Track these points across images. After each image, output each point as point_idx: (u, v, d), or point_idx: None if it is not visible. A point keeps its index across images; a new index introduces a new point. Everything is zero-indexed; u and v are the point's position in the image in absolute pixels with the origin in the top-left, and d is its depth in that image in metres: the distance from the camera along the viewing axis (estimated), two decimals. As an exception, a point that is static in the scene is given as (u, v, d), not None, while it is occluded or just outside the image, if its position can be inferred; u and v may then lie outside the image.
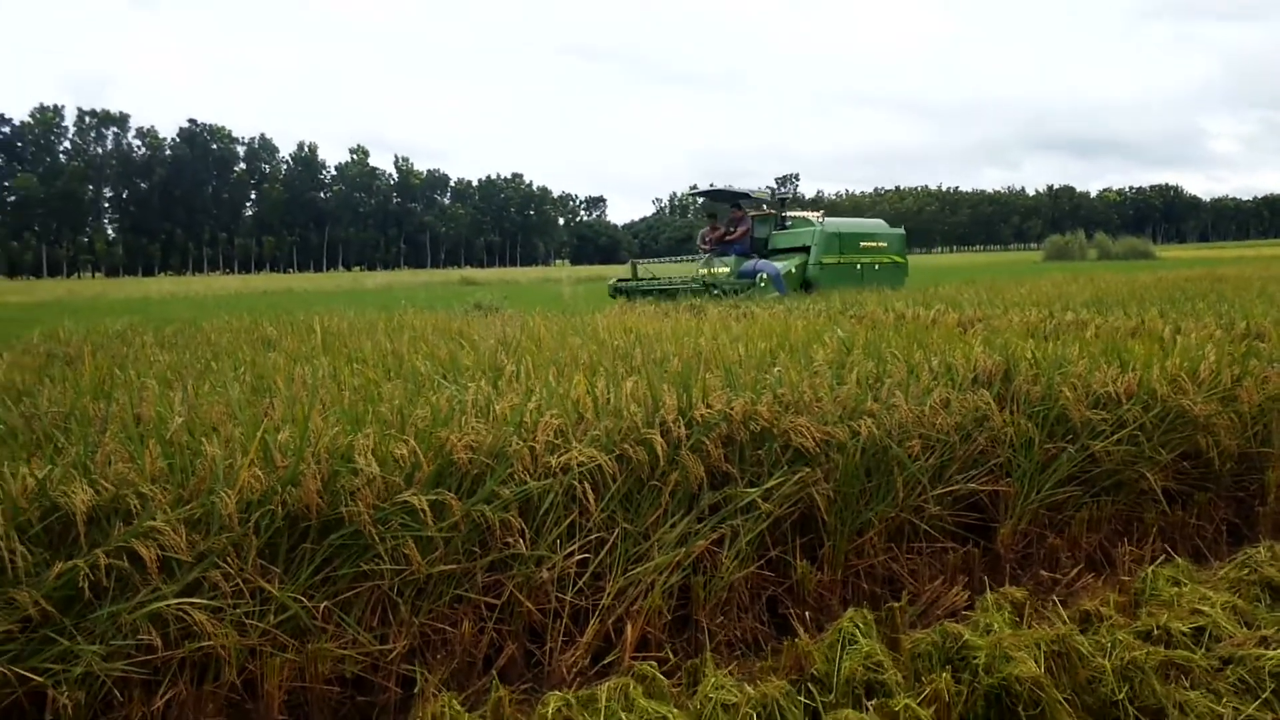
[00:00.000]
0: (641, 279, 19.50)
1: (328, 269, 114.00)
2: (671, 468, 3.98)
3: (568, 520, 3.71)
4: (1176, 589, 3.79)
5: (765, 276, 17.76)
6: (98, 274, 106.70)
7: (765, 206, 21.06)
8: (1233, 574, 4.03)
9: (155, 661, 3.06)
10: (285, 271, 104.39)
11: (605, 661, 3.64)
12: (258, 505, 3.29)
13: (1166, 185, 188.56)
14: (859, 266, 19.37)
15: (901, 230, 21.78)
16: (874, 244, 20.15)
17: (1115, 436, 4.82)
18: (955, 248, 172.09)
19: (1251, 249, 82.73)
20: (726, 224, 20.44)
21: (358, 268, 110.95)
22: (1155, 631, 3.30)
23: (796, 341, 6.54)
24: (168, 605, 3.05)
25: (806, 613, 3.99)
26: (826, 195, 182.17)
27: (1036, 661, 3.01)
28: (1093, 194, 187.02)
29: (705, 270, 18.80)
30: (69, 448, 3.59)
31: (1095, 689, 2.99)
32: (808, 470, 4.18)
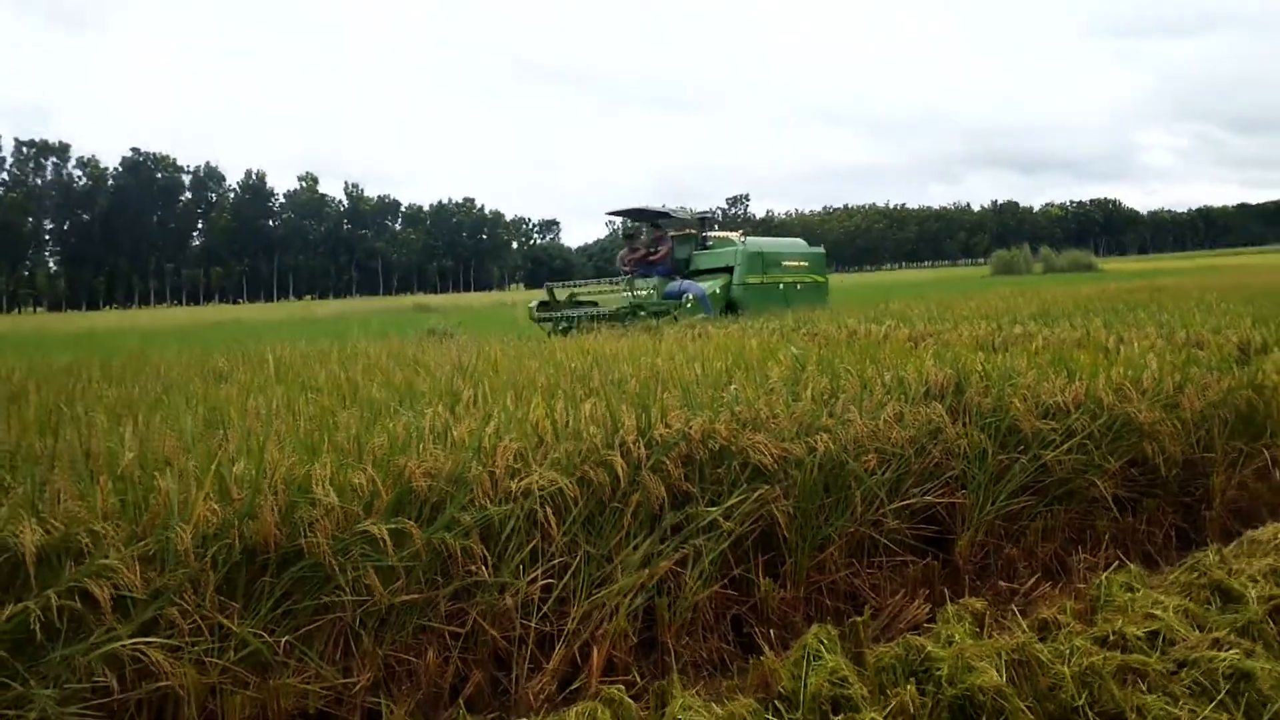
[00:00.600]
0: (561, 303, 18.40)
1: (278, 298, 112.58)
2: (632, 488, 3.99)
3: (530, 545, 3.69)
4: (1130, 595, 3.88)
5: (691, 297, 17.45)
6: (39, 308, 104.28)
7: (686, 226, 20.39)
8: (1183, 578, 4.13)
9: (112, 704, 2.99)
10: (235, 302, 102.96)
11: (573, 687, 3.62)
12: (214, 539, 3.23)
13: (1106, 199, 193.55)
14: (781, 286, 19.20)
15: (821, 249, 21.52)
16: (795, 263, 19.92)
17: (1065, 445, 4.93)
18: (904, 264, 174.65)
19: (1188, 260, 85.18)
20: (647, 245, 19.94)
21: (309, 296, 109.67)
22: (1111, 637, 3.37)
23: (752, 359, 6.60)
24: (123, 645, 2.98)
25: (771, 630, 4.01)
26: (776, 215, 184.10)
27: (998, 671, 3.06)
28: (1036, 209, 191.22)
29: (628, 292, 18.45)
30: (15, 486, 3.50)
31: (1056, 696, 3.04)
32: (767, 487, 4.21)
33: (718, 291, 17.94)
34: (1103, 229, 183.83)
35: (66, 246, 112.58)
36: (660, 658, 3.83)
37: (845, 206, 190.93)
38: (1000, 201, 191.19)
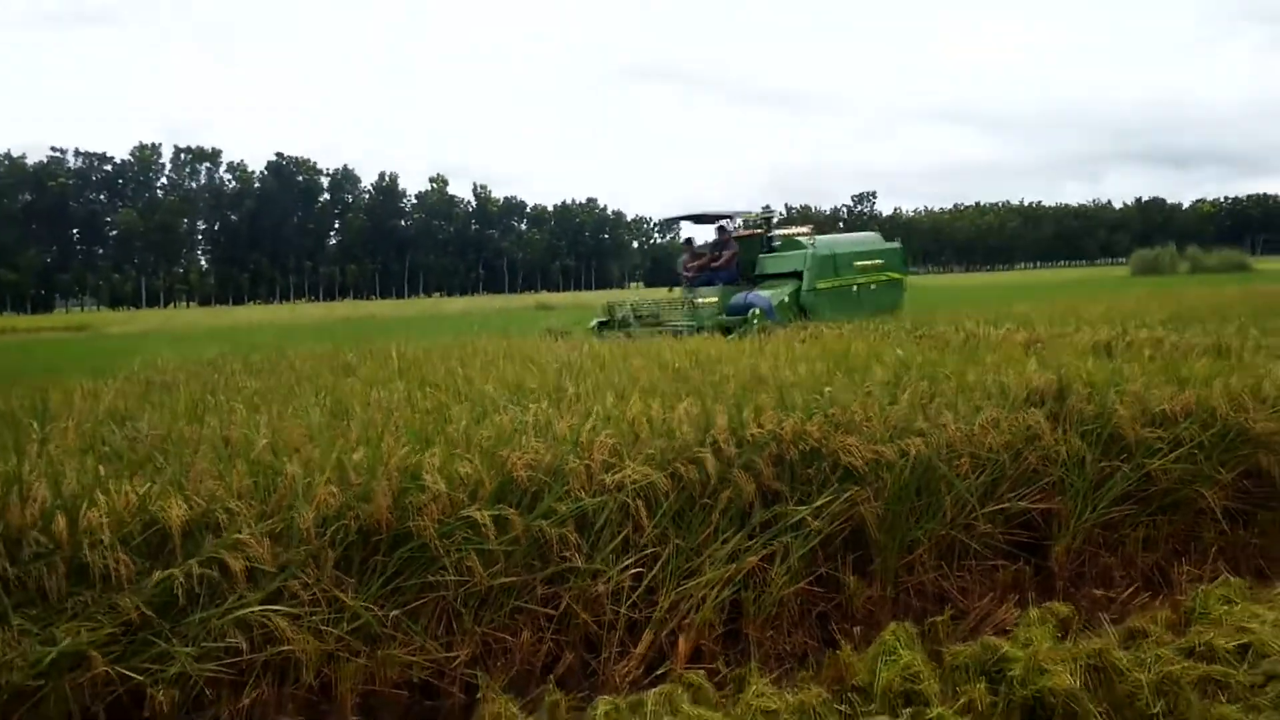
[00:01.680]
0: (621, 318, 16.97)
1: (409, 295, 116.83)
2: (723, 485, 4.14)
3: (621, 535, 3.89)
4: (1228, 607, 3.81)
5: (758, 311, 15.86)
6: (192, 303, 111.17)
7: (749, 226, 18.67)
8: (1291, 593, 4.02)
9: (241, 664, 3.33)
10: (368, 298, 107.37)
11: (658, 672, 3.80)
12: (333, 520, 3.55)
13: (1265, 195, 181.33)
14: (855, 289, 17.52)
15: (897, 243, 19.60)
16: (870, 262, 18.13)
17: (1172, 454, 4.82)
18: (1039, 264, 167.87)
19: (1356, 259, 78.92)
20: (711, 249, 18.39)
21: (438, 294, 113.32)
22: (1199, 648, 3.34)
23: (856, 361, 6.63)
24: (253, 611, 3.32)
25: (856, 628, 4.09)
26: (905, 212, 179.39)
27: (1073, 675, 3.09)
28: (1184, 205, 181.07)
29: (689, 303, 16.75)
30: (166, 467, 3.91)
31: (1132, 703, 3.05)
32: (857, 488, 4.29)
33: (786, 300, 16.52)
34: (1261, 226, 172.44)
35: (216, 246, 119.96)
36: (744, 648, 3.96)
37: (977, 204, 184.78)
38: (1144, 198, 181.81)
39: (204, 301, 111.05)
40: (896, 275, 18.61)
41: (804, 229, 18.96)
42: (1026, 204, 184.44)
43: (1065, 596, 4.50)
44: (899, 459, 4.33)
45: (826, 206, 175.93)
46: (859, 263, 17.80)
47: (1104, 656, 3.16)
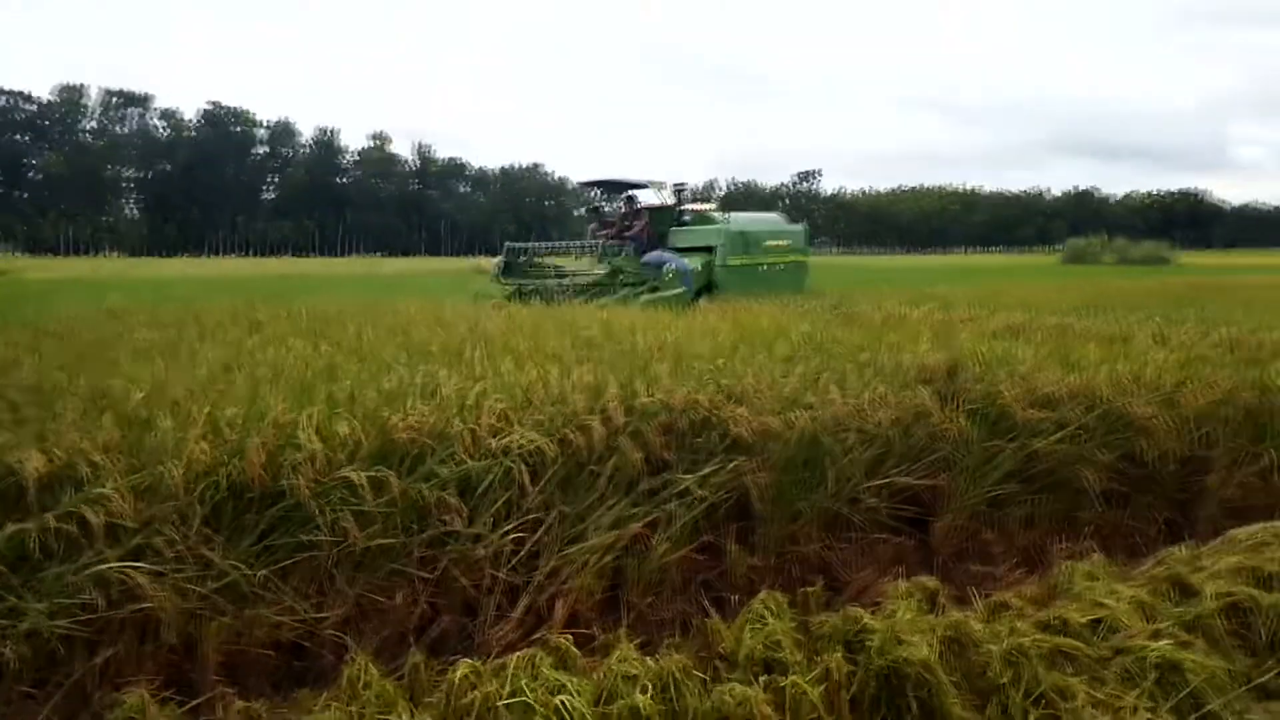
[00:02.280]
0: (527, 268, 17.16)
1: (348, 254, 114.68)
2: (610, 453, 4.14)
3: (503, 499, 3.87)
4: (1091, 584, 3.93)
5: (672, 269, 15.93)
6: (120, 254, 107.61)
7: (663, 199, 18.56)
8: (1152, 572, 4.16)
9: (99, 621, 3.24)
10: (305, 256, 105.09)
11: (536, 636, 3.80)
12: (203, 477, 3.47)
13: (1189, 191, 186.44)
14: (764, 268, 17.62)
15: (803, 226, 19.82)
16: (778, 242, 18.22)
17: (1056, 436, 4.95)
18: (975, 248, 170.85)
19: (1276, 256, 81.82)
20: (621, 218, 18.36)
21: (378, 253, 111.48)
22: (1053, 622, 3.44)
23: (762, 336, 6.68)
24: (111, 568, 3.24)
25: (736, 596, 4.14)
26: (847, 191, 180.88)
27: (930, 646, 3.16)
28: (1117, 198, 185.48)
29: (605, 260, 16.74)
30: (32, 419, 3.78)
31: (983, 673, 3.13)
32: (744, 459, 4.33)
33: (699, 269, 16.61)
34: (1187, 221, 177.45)
35: (147, 195, 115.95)
36: (624, 615, 3.99)
37: (918, 187, 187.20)
38: (1079, 188, 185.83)
39: (133, 252, 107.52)
40: (801, 257, 18.79)
41: (711, 205, 19.38)
42: (966, 189, 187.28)
43: (945, 571, 4.61)
44: (786, 431, 4.37)
45: (769, 184, 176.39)
46: (768, 242, 17.98)
47: (960, 629, 3.24)
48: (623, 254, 17.10)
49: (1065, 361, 5.53)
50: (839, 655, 3.09)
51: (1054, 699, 3.02)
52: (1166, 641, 3.24)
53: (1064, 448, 4.96)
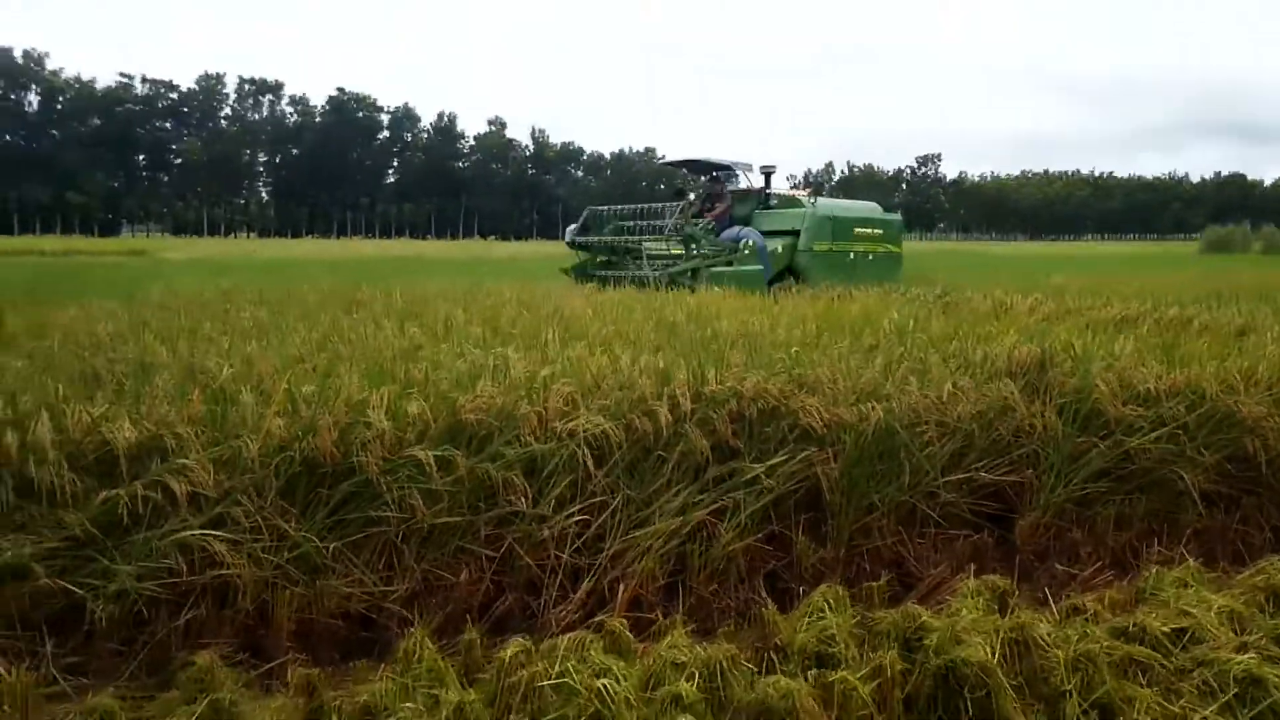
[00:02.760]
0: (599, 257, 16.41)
1: (463, 237, 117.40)
2: (676, 439, 4.13)
3: (566, 480, 3.90)
4: (1180, 591, 3.73)
5: (750, 243, 15.10)
6: (252, 235, 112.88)
7: (749, 181, 17.64)
8: (1250, 581, 3.92)
9: (181, 585, 3.42)
10: (423, 238, 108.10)
11: (597, 619, 3.83)
12: (278, 451, 3.61)
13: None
14: (852, 255, 16.64)
15: (898, 216, 18.83)
16: (870, 230, 17.28)
17: (1153, 434, 4.70)
18: (1106, 236, 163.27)
19: None
20: (703, 200, 17.36)
21: (493, 237, 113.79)
22: (1130, 629, 3.28)
23: (853, 324, 6.55)
24: (193, 535, 3.41)
25: (802, 588, 4.08)
26: (969, 176, 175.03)
27: (991, 648, 3.06)
28: (1267, 182, 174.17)
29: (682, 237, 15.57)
30: (129, 391, 4.00)
31: (1046, 679, 3.01)
32: (816, 450, 4.26)
33: (779, 250, 15.81)
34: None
35: (277, 179, 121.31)
36: (685, 602, 3.98)
37: (1045, 172, 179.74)
38: (1223, 173, 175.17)
39: (263, 233, 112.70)
40: (895, 249, 17.82)
41: (803, 191, 18.32)
42: (1097, 174, 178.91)
43: (1026, 571, 4.44)
44: (859, 422, 4.28)
45: (889, 168, 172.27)
46: (859, 230, 17.10)
47: (1025, 631, 3.11)
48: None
49: (1169, 356, 5.22)
50: (893, 652, 3.02)
51: (1120, 708, 2.88)
52: (1252, 655, 3.04)
53: (1162, 447, 4.70)
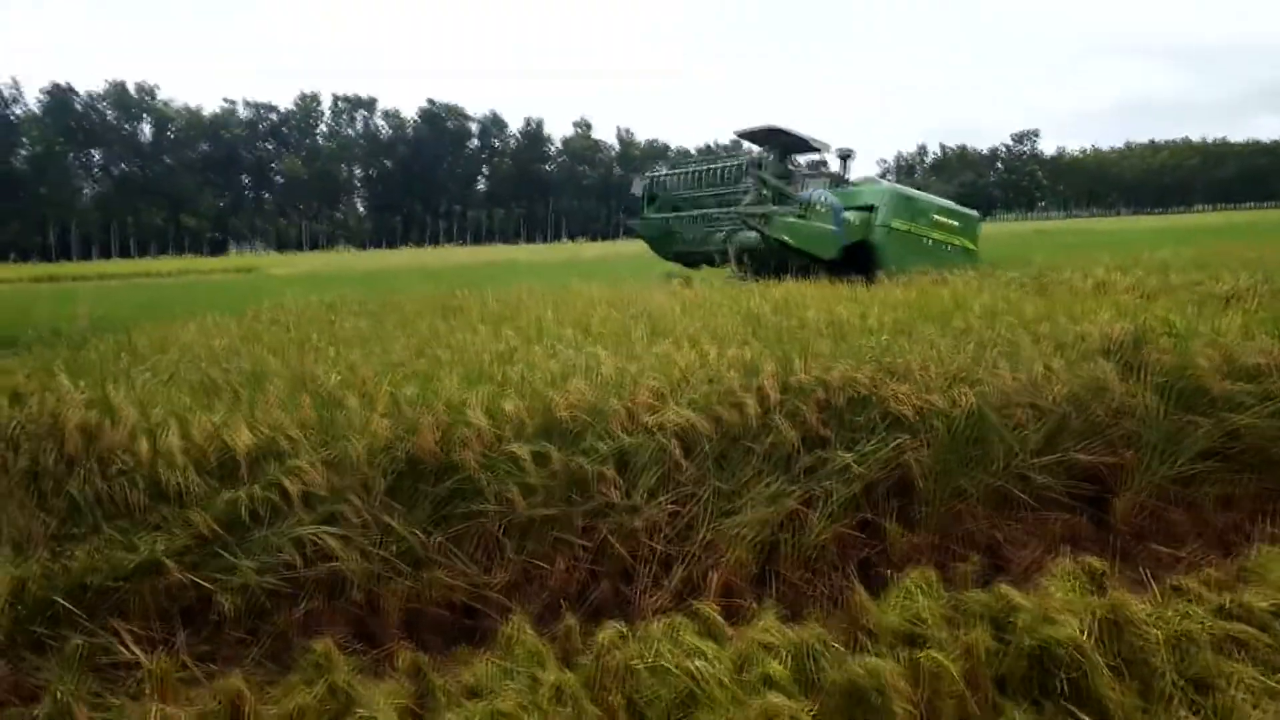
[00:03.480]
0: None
1: (552, 239, 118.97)
2: (765, 430, 4.20)
3: (657, 472, 4.01)
4: (1287, 569, 3.63)
5: (826, 202, 14.26)
6: (350, 247, 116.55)
7: (823, 160, 16.87)
8: (1363, 558, 3.79)
9: (298, 578, 3.66)
10: (514, 242, 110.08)
11: (691, 607, 3.93)
12: (383, 451, 3.82)
13: None
14: (929, 241, 15.77)
15: (976, 214, 17.71)
16: (947, 221, 16.41)
17: (1262, 410, 4.56)
18: (1219, 206, 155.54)
19: None
20: (776, 177, 16.30)
21: (581, 239, 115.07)
22: (1232, 607, 3.22)
23: (944, 309, 6.50)
24: (307, 531, 3.64)
25: (893, 573, 4.10)
26: (1069, 151, 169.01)
27: (1085, 627, 3.04)
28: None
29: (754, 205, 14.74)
30: (243, 399, 4.28)
31: (1145, 659, 2.98)
32: (906, 437, 4.27)
33: (854, 221, 14.86)
34: None
35: (372, 192, 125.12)
36: (777, 589, 4.04)
37: (1151, 142, 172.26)
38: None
39: (361, 245, 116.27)
40: (970, 245, 16.90)
41: (882, 180, 17.60)
42: (1208, 141, 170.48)
43: (1125, 553, 4.36)
44: (950, 408, 4.27)
45: (984, 147, 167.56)
46: (936, 217, 16.27)
47: (1119, 610, 3.09)
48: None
49: (1279, 330, 5.05)
50: (983, 632, 3.03)
51: (1220, 685, 2.84)
52: (1359, 631, 2.96)
53: (1271, 423, 4.56)
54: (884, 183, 16.43)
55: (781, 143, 16.74)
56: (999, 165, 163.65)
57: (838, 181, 16.71)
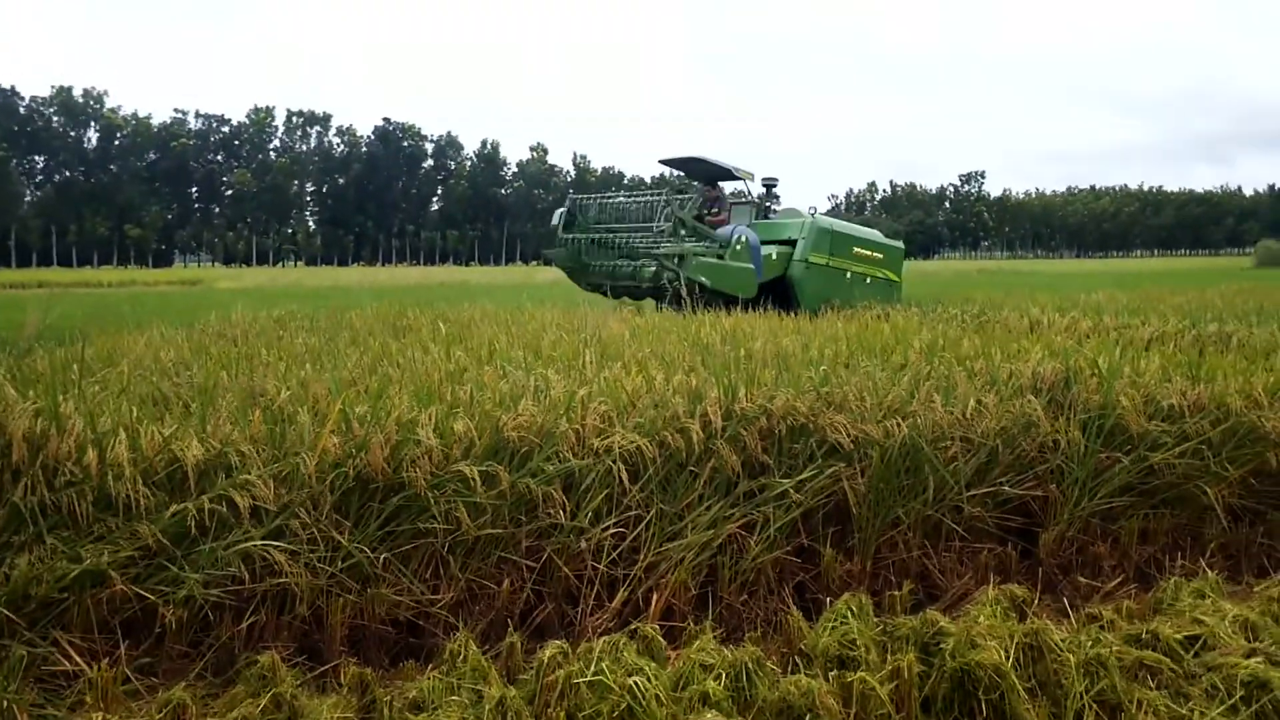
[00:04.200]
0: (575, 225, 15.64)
1: (506, 263, 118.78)
2: (708, 455, 4.33)
3: (602, 494, 4.11)
4: (1196, 602, 3.83)
5: (744, 239, 14.18)
6: (299, 263, 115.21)
7: (748, 190, 16.83)
8: (1267, 591, 4.01)
9: (244, 592, 3.68)
10: (466, 264, 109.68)
11: (632, 627, 4.02)
12: (333, 467, 3.87)
13: None
14: (849, 275, 15.77)
15: (900, 244, 17.74)
16: (869, 253, 16.36)
17: (1177, 449, 4.80)
18: (1157, 252, 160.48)
19: None
20: (700, 206, 15.97)
21: (534, 262, 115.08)
22: (1144, 636, 3.40)
23: (885, 344, 6.70)
24: (255, 545, 3.66)
25: (830, 599, 4.24)
26: (1014, 194, 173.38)
27: (1006, 652, 3.20)
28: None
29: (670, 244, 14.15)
30: (193, 412, 4.30)
31: (1059, 682, 3.15)
32: (843, 465, 4.43)
33: (774, 256, 14.87)
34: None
35: (324, 208, 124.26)
36: (719, 611, 4.15)
37: (1092, 188, 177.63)
38: (1277, 186, 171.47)
39: (310, 261, 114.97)
40: (894, 276, 16.85)
41: (808, 211, 17.00)
42: (1147, 188, 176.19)
43: (1049, 583, 4.56)
44: (884, 439, 4.44)
45: (932, 185, 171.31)
46: (858, 249, 16.15)
47: (1039, 636, 3.25)
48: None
49: (1195, 372, 5.32)
50: (911, 655, 3.17)
51: (1128, 709, 3.01)
52: (1257, 659, 3.16)
53: (1186, 462, 4.80)
54: (807, 215, 16.09)
55: (704, 171, 16.91)
56: (947, 204, 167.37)
57: (762, 211, 16.64)
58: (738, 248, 13.96)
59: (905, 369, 5.41)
